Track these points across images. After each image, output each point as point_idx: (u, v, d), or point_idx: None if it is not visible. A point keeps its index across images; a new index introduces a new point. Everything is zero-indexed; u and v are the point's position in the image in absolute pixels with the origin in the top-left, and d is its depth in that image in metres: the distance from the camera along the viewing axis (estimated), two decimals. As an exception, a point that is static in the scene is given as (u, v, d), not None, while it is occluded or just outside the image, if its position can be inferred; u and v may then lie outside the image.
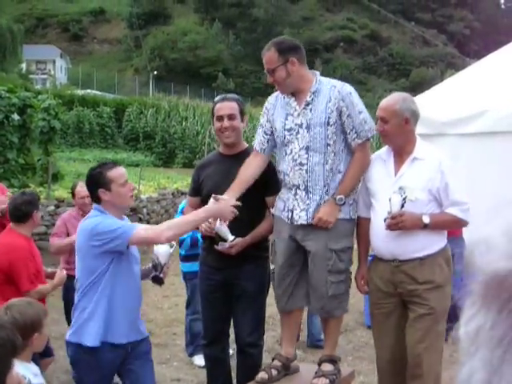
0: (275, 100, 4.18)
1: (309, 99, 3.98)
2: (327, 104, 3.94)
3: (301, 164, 3.97)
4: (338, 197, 3.92)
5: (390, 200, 3.85)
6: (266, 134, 4.17)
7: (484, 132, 8.16)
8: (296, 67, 3.96)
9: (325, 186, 3.96)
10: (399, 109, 3.94)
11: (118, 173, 3.97)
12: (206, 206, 4.00)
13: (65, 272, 5.27)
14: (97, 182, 3.94)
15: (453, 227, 3.99)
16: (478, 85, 8.86)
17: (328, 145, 3.94)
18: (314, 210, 3.98)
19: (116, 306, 3.89)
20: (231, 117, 4.40)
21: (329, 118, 3.93)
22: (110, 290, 3.87)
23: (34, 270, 5.04)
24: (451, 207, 3.93)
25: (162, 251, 4.15)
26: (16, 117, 13.07)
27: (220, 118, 4.42)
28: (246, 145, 4.66)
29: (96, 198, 3.97)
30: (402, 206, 3.84)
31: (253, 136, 29.69)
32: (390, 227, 3.86)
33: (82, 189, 6.15)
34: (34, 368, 3.47)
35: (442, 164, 3.94)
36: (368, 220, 4.14)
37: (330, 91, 3.96)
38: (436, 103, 8.70)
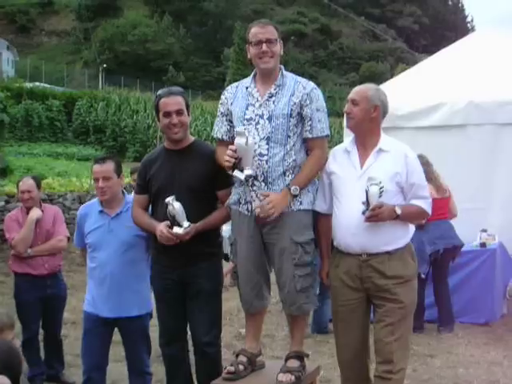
0: (235, 90, 4.17)
1: (273, 91, 4.01)
2: (291, 97, 3.98)
3: (260, 154, 3.93)
4: (294, 187, 3.90)
5: (367, 191, 3.80)
6: (231, 122, 4.13)
7: (439, 125, 8.27)
8: (280, 52, 4.07)
9: (285, 178, 3.95)
10: (371, 95, 4.04)
11: None
12: None
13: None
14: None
15: (418, 219, 4.03)
16: (432, 79, 8.95)
17: (289, 136, 3.96)
18: None
19: None
20: (179, 112, 4.27)
21: (291, 110, 3.96)
22: None
23: None
24: (416, 200, 3.98)
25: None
26: (-37, 110, 12.74)
27: (167, 114, 4.26)
28: (192, 138, 4.50)
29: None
30: (379, 197, 3.81)
31: (204, 129, 29.49)
32: (369, 219, 3.82)
33: (22, 183, 6.03)
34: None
35: (408, 157, 3.99)
36: (329, 216, 4.09)
37: (295, 85, 4.02)
38: (391, 97, 8.71)
